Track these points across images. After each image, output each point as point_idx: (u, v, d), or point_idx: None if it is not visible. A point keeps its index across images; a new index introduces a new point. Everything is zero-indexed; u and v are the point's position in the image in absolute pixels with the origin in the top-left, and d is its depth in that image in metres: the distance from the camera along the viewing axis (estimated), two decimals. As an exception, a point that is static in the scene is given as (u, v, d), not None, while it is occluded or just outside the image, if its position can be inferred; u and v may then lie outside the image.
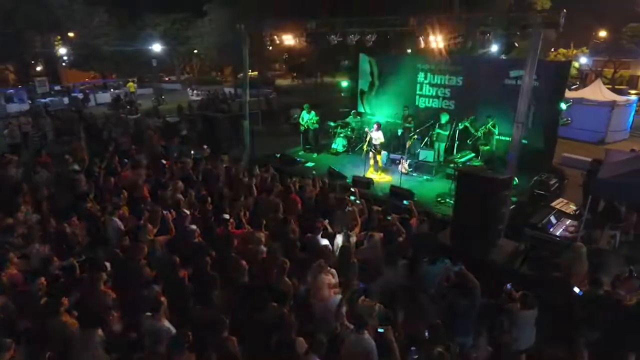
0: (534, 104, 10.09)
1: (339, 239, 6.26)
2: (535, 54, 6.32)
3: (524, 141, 10.47)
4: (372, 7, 10.90)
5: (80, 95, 25.14)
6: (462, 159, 9.29)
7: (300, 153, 12.34)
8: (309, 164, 11.38)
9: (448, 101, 11.84)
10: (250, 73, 42.81)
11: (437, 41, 7.65)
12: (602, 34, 29.94)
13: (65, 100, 24.40)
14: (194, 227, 5.90)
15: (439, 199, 8.92)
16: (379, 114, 13.24)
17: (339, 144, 12.27)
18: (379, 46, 9.99)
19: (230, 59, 34.15)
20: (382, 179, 10.15)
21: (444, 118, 10.82)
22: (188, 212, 6.31)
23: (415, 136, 11.02)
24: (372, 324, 4.19)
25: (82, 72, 33.44)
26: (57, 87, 27.22)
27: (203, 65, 41.42)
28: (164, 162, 9.05)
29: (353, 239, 6.31)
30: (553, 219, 7.64)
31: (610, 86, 22.66)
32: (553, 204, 8.42)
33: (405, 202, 6.93)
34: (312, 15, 9.61)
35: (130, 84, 27.90)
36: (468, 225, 6.16)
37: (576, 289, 5.15)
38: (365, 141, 10.39)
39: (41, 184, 8.23)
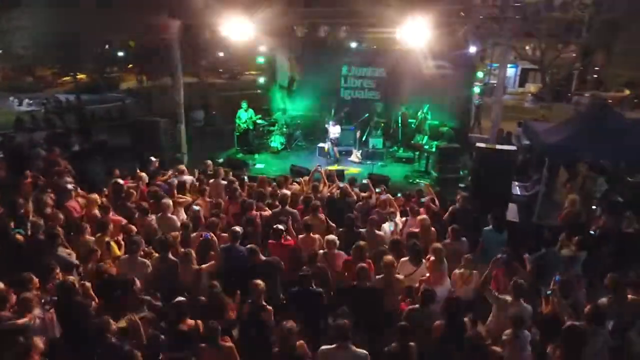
0: (450, 90, 11.75)
1: (386, 227, 6.23)
2: (508, 46, 7.40)
3: (435, 122, 12.08)
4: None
5: None
6: (424, 141, 10.16)
7: (239, 155, 11.37)
8: (259, 166, 10.64)
9: (373, 92, 12.64)
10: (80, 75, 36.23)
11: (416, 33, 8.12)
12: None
13: None
14: (253, 246, 5.00)
15: (410, 180, 9.60)
16: (302, 109, 13.20)
17: (277, 141, 11.77)
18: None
19: (53, 59, 28.48)
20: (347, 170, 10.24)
21: (379, 107, 11.57)
22: (239, 229, 5.28)
23: (349, 128, 11.53)
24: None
25: None
26: None
27: (6, 67, 33.16)
28: (120, 181, 7.17)
29: (400, 226, 6.37)
30: (508, 183, 9.14)
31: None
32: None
33: (421, 183, 7.30)
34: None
35: None
36: (487, 194, 6.90)
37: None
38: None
39: None
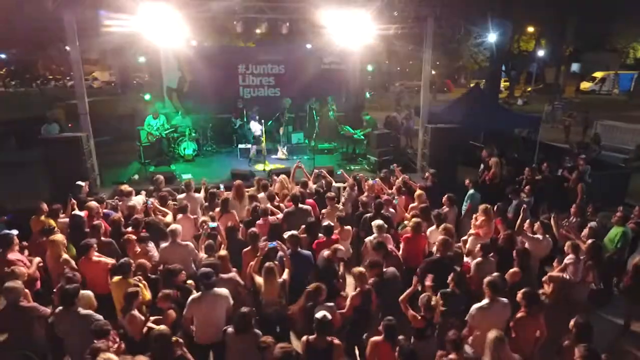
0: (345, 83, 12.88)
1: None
2: (430, 42, 8.66)
3: (340, 113, 13.16)
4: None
5: None
6: (352, 130, 10.86)
7: (151, 169, 9.77)
8: (186, 176, 9.44)
9: (274, 89, 12.65)
10: None
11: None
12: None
13: None
14: (341, 247, 4.92)
15: (347, 167, 10.24)
16: (199, 111, 12.19)
17: (189, 148, 10.60)
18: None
19: None
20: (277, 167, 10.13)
21: (288, 102, 11.77)
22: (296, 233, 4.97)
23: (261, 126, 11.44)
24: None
25: None
26: None
27: None
28: (80, 214, 5.48)
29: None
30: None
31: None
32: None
33: (391, 167, 8.03)
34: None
35: None
36: (442, 163, 8.17)
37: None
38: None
39: None
